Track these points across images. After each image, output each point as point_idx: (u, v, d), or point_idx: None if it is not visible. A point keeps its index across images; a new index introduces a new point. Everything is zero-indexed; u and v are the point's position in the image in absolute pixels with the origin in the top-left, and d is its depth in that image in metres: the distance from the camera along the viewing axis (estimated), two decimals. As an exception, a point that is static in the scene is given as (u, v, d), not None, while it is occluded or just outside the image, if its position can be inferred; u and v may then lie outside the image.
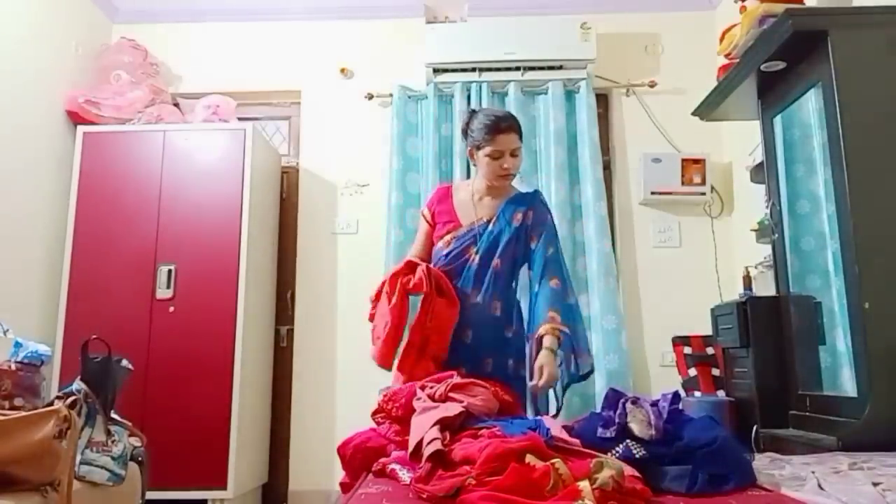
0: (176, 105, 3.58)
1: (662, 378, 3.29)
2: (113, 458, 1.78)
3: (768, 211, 2.54)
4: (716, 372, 2.99)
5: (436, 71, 3.50)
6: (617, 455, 1.36)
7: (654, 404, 1.45)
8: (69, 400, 1.73)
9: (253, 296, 3.19)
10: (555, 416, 1.95)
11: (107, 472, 1.75)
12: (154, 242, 3.16)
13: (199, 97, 3.49)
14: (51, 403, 1.71)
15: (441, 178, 3.40)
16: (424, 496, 1.27)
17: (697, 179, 3.42)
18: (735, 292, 3.04)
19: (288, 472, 3.39)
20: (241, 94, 3.62)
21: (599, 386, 3.10)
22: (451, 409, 1.59)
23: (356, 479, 1.66)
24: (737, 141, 3.32)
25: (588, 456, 1.31)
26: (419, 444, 1.45)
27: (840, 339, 2.16)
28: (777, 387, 2.34)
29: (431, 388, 1.73)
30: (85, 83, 3.45)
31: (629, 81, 3.60)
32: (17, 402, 1.87)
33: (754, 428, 2.33)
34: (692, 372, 3.05)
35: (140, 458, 1.95)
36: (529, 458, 1.26)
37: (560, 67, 3.48)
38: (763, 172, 2.63)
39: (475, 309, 2.11)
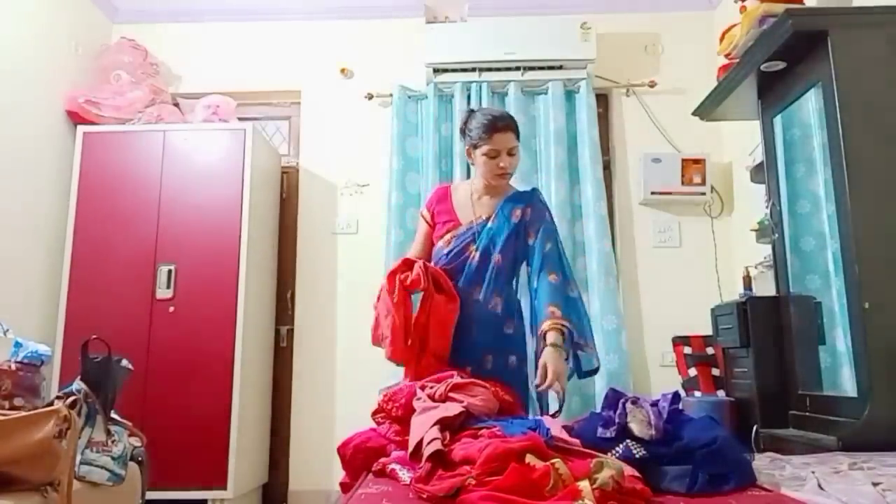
0: (176, 105, 3.58)
1: (662, 378, 3.29)
2: (113, 458, 1.77)
3: (768, 211, 2.54)
4: (716, 372, 3.00)
5: (436, 71, 3.50)
6: (617, 455, 1.36)
7: (654, 404, 1.45)
8: (69, 400, 1.73)
9: (253, 296, 3.19)
10: (554, 416, 1.94)
11: (107, 472, 1.75)
12: (154, 242, 3.16)
13: (199, 97, 3.49)
14: (51, 403, 1.71)
15: (441, 178, 3.40)
16: (424, 496, 1.27)
17: (697, 179, 3.42)
18: (735, 292, 3.04)
19: (288, 472, 3.39)
20: (241, 94, 3.62)
21: (599, 386, 3.10)
22: (451, 409, 1.59)
23: (356, 479, 1.66)
24: (737, 141, 3.32)
25: (588, 456, 1.32)
26: (419, 444, 1.45)
27: (840, 339, 2.16)
28: (777, 387, 2.34)
29: (431, 388, 1.73)
30: (85, 83, 3.45)
31: (629, 81, 3.60)
32: (17, 402, 1.87)
33: (754, 428, 2.33)
34: (692, 372, 3.06)
35: (140, 458, 1.95)
36: (529, 458, 1.26)
37: (560, 67, 3.48)
38: (763, 172, 2.63)
39: (476, 306, 2.12)
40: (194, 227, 3.17)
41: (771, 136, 2.56)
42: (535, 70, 3.48)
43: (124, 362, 1.93)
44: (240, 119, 3.50)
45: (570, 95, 3.52)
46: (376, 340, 2.13)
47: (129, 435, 1.91)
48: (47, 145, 3.24)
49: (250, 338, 3.15)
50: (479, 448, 1.34)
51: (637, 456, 1.37)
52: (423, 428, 1.50)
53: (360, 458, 1.71)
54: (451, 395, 1.69)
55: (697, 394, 2.96)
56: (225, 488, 2.92)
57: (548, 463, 1.23)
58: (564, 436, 1.48)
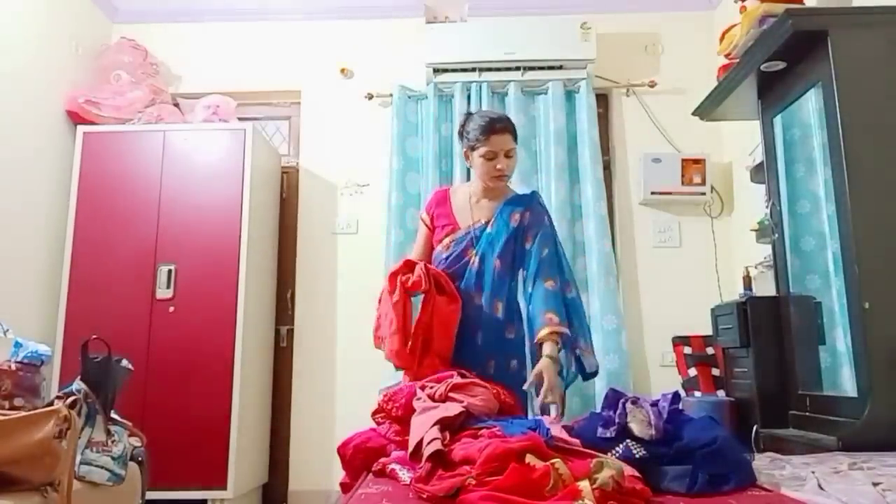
0: (176, 105, 3.58)
1: (662, 378, 3.29)
2: (113, 458, 1.78)
3: (768, 211, 2.54)
4: (716, 372, 3.00)
5: (436, 71, 3.50)
6: (617, 455, 1.36)
7: (654, 404, 1.45)
8: (69, 400, 1.73)
9: (253, 296, 3.19)
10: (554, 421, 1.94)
11: (107, 472, 1.75)
12: (154, 242, 3.16)
13: (199, 97, 3.49)
14: (51, 403, 1.71)
15: (441, 178, 3.40)
16: (424, 496, 1.26)
17: (697, 179, 3.42)
18: (735, 292, 3.04)
19: (288, 472, 3.39)
20: (241, 94, 3.62)
21: (599, 386, 3.10)
22: (451, 409, 1.59)
23: (356, 479, 1.66)
24: (737, 141, 3.32)
25: (588, 456, 1.31)
26: (419, 444, 1.45)
27: (840, 339, 2.16)
28: (777, 387, 2.34)
29: (431, 388, 1.73)
30: (85, 83, 3.45)
31: (629, 81, 3.60)
32: (17, 402, 1.87)
33: (754, 428, 2.33)
34: (692, 372, 3.06)
35: (140, 458, 1.95)
36: (529, 458, 1.26)
37: (560, 67, 3.48)
38: (763, 172, 2.63)
39: (477, 311, 2.11)
40: (194, 227, 3.17)
41: (771, 136, 2.56)
42: (535, 70, 3.49)
43: (124, 362, 1.93)
44: (240, 119, 3.50)
45: (570, 95, 3.52)
46: (378, 343, 2.13)
47: (129, 435, 1.91)
48: (47, 145, 3.24)
49: (250, 338, 3.15)
50: (479, 448, 1.34)
51: (637, 456, 1.37)
52: (423, 428, 1.50)
53: (360, 458, 1.71)
54: (451, 395, 1.69)
55: (697, 394, 2.96)
56: (225, 488, 2.92)
57: (548, 463, 1.23)
58: (564, 436, 1.48)
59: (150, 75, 3.55)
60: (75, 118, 3.34)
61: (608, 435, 1.43)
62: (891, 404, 1.83)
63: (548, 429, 1.47)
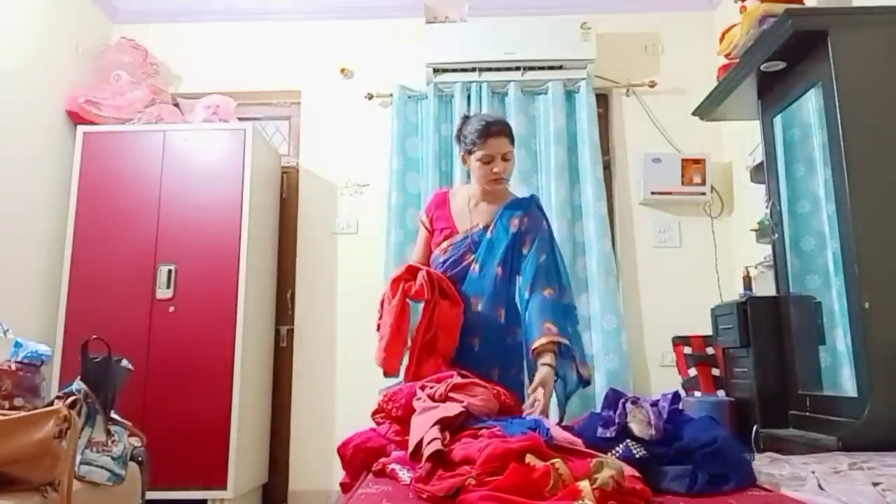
0: (176, 105, 3.58)
1: (662, 378, 3.29)
2: (113, 458, 1.78)
3: (768, 211, 2.54)
4: (716, 372, 3.00)
5: (436, 71, 3.50)
6: (617, 455, 1.36)
7: (654, 404, 1.45)
8: (69, 400, 1.73)
9: (253, 296, 3.19)
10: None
11: (107, 472, 1.75)
12: (154, 242, 3.16)
13: (199, 97, 3.49)
14: (51, 403, 1.71)
15: (441, 179, 3.40)
16: (424, 496, 1.27)
17: (697, 179, 3.42)
18: (735, 292, 3.04)
19: (288, 472, 3.39)
20: (241, 94, 3.62)
21: (599, 386, 3.10)
22: (451, 409, 1.59)
23: (356, 479, 1.66)
24: (737, 141, 3.32)
25: (588, 456, 1.32)
26: (419, 444, 1.45)
27: (840, 339, 2.16)
28: (777, 387, 2.34)
29: (431, 388, 1.73)
30: (85, 83, 3.45)
31: (629, 81, 3.60)
32: (17, 402, 1.87)
33: (754, 428, 2.33)
34: (692, 372, 3.06)
35: (140, 458, 1.95)
36: (529, 458, 1.26)
37: (560, 67, 3.48)
38: (763, 172, 2.63)
39: (478, 317, 2.10)
40: (194, 227, 3.17)
41: (771, 136, 2.56)
42: (535, 70, 3.48)
43: (124, 362, 1.94)
44: (240, 119, 3.50)
45: (570, 95, 3.52)
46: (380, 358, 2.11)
47: (129, 435, 1.91)
48: (47, 145, 3.23)
49: (250, 338, 3.15)
50: (479, 448, 1.34)
51: (637, 456, 1.37)
52: (423, 428, 1.50)
53: (360, 458, 1.71)
54: (451, 395, 1.69)
55: (697, 394, 2.96)
56: (225, 488, 2.92)
57: (548, 463, 1.23)
58: (566, 435, 1.48)
59: (150, 75, 3.55)
60: (75, 118, 3.34)
61: (608, 435, 1.43)
62: (891, 404, 1.83)
63: (548, 429, 1.47)
